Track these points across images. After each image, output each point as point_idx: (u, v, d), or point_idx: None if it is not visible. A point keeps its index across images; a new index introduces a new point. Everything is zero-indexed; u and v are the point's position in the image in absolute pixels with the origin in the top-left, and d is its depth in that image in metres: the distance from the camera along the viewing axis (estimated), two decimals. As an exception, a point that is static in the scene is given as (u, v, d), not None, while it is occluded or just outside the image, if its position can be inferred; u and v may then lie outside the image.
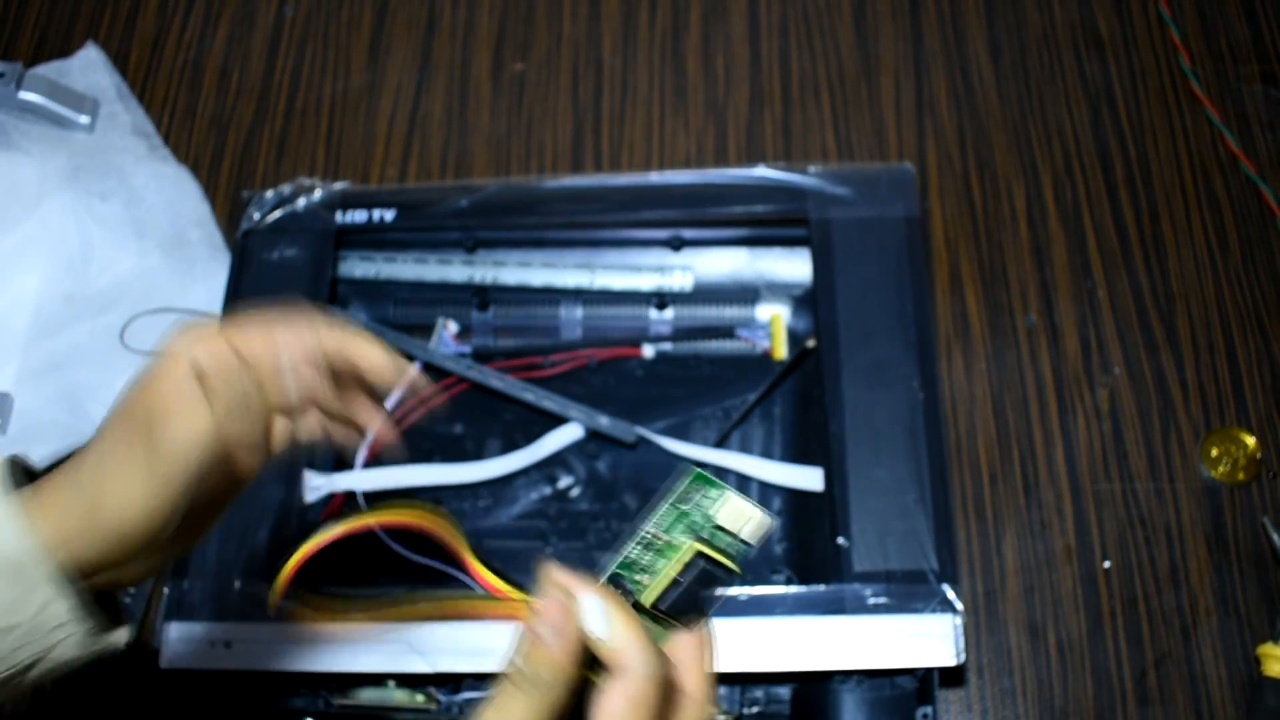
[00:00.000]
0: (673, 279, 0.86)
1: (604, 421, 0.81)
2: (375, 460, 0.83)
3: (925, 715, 0.68)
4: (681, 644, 0.43)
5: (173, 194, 0.92)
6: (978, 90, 0.98)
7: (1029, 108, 0.97)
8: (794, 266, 0.85)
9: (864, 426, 0.73)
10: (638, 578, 0.43)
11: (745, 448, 0.84)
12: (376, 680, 0.72)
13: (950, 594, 0.67)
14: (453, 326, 0.88)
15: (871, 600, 0.67)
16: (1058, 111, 0.97)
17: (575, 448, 0.84)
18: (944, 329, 0.89)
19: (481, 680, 0.72)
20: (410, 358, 0.85)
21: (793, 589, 0.69)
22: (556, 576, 0.41)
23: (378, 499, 0.82)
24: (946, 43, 1.00)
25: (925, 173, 0.95)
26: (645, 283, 0.86)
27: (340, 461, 0.84)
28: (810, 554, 0.77)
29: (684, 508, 0.45)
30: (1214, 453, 0.83)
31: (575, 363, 0.87)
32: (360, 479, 0.80)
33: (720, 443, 0.83)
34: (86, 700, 0.79)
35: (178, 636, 0.70)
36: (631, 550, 0.44)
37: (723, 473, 0.83)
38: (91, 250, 0.86)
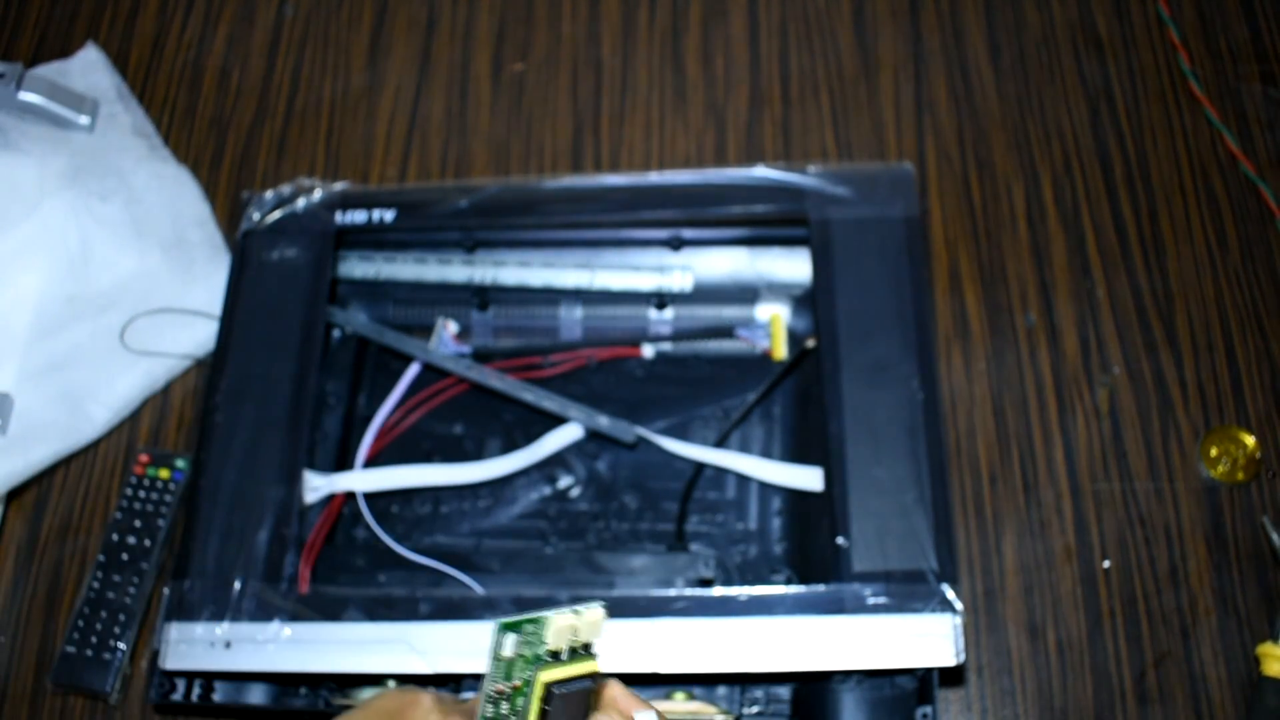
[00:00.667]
0: (672, 279, 0.86)
1: (604, 421, 0.81)
2: (375, 460, 0.83)
3: (925, 715, 0.68)
4: None
5: (173, 194, 0.92)
6: (977, 90, 0.98)
7: (1028, 108, 0.97)
8: (794, 266, 0.85)
9: (864, 426, 0.73)
10: None
11: (745, 448, 0.84)
12: (377, 680, 0.72)
13: (950, 594, 0.67)
14: (453, 326, 0.88)
15: (871, 600, 0.67)
16: (1057, 111, 0.97)
17: (575, 448, 0.84)
18: (944, 329, 0.89)
19: (481, 680, 0.72)
20: (410, 358, 0.85)
21: (793, 589, 0.69)
22: (617, 694, 0.44)
23: (379, 500, 0.82)
24: (946, 43, 1.00)
25: (925, 173, 0.95)
26: (645, 283, 0.86)
27: (340, 462, 0.84)
28: (810, 554, 0.77)
29: (508, 655, 0.46)
30: (1213, 452, 0.83)
31: (575, 363, 0.87)
32: (360, 479, 0.80)
33: (720, 443, 0.83)
34: None
35: (178, 636, 0.70)
36: (484, 710, 0.46)
37: (722, 472, 0.83)
38: (91, 250, 0.86)
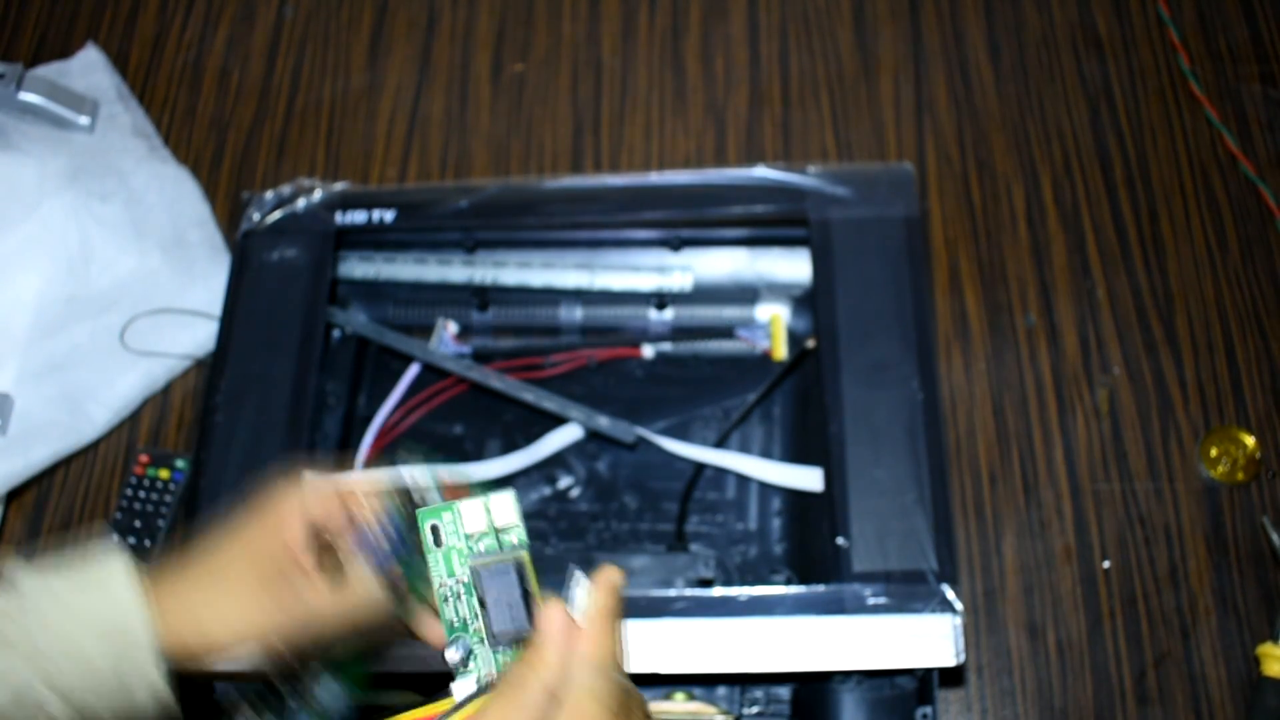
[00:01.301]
0: (672, 279, 0.86)
1: (604, 422, 0.81)
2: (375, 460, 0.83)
3: (925, 715, 0.68)
4: (545, 619, 0.45)
5: (173, 195, 0.92)
6: (977, 90, 0.98)
7: (1028, 108, 0.97)
8: (793, 267, 0.85)
9: (863, 426, 0.73)
10: (470, 629, 0.47)
11: (745, 448, 0.84)
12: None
13: (950, 594, 0.67)
14: (453, 327, 0.88)
15: (871, 600, 0.67)
16: (1057, 112, 0.97)
17: (575, 448, 0.84)
18: (944, 329, 0.89)
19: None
20: (410, 358, 0.85)
21: (793, 589, 0.69)
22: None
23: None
24: (946, 43, 1.00)
25: (925, 173, 0.95)
26: (645, 283, 0.86)
27: (340, 462, 0.84)
28: (810, 554, 0.77)
29: (439, 549, 0.48)
30: (1213, 453, 0.83)
31: (575, 363, 0.87)
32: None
33: (720, 443, 0.83)
34: None
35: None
36: (445, 614, 0.47)
37: (722, 473, 0.83)
38: (91, 251, 0.86)
